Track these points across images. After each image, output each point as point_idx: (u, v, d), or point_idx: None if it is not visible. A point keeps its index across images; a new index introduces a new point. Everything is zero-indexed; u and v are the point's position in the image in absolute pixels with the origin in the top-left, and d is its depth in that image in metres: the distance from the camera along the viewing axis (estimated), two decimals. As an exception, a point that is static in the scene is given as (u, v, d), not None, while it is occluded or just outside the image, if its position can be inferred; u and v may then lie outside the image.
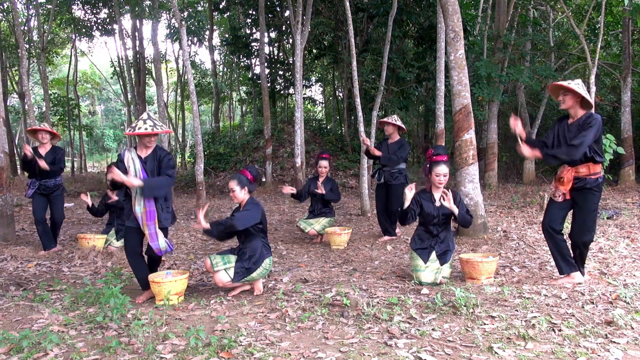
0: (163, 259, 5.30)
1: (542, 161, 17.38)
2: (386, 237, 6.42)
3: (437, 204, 4.28)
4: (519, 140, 3.96)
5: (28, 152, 5.67)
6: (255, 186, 4.21)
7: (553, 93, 4.07)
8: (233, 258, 4.08)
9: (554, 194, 4.02)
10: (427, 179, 4.35)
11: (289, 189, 6.23)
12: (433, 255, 4.26)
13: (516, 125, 3.95)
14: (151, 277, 3.94)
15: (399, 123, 6.36)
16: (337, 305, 3.61)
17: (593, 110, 3.94)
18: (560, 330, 3.03)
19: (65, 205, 10.50)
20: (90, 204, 6.29)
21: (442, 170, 4.20)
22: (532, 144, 4.02)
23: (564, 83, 3.88)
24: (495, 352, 2.74)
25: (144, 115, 4.01)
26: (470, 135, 6.07)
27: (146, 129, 3.87)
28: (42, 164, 5.70)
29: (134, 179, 3.78)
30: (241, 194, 4.08)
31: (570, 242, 4.08)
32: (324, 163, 6.55)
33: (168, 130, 4.03)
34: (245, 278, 4.03)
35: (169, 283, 3.83)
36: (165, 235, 4.08)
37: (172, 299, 3.86)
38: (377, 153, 6.42)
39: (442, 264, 4.24)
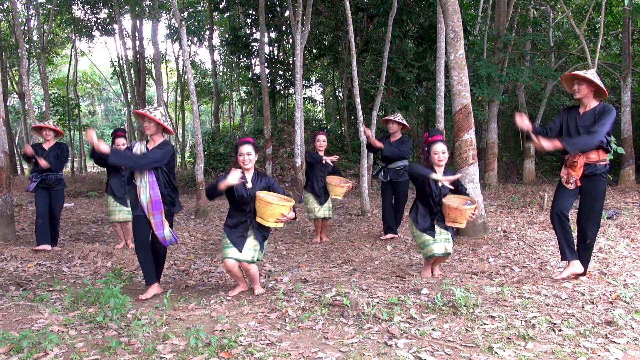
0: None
1: (542, 161, 17.20)
2: (389, 235, 6.43)
3: (440, 184, 4.38)
4: (532, 136, 3.94)
5: (29, 151, 5.96)
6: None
7: (566, 83, 4.11)
8: (253, 240, 4.02)
9: (567, 180, 4.02)
10: (427, 163, 4.50)
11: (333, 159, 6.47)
12: (437, 228, 4.38)
13: (522, 121, 3.98)
14: (260, 195, 3.91)
15: (403, 121, 6.40)
16: (337, 305, 3.61)
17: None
18: (560, 330, 3.03)
19: (66, 205, 10.51)
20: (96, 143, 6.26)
21: (440, 148, 4.36)
22: (544, 134, 4.03)
23: (579, 72, 3.94)
24: (495, 352, 2.74)
25: (156, 106, 4.12)
26: (470, 135, 6.07)
27: (144, 110, 4.02)
28: (42, 162, 5.92)
29: (102, 144, 3.78)
30: (254, 159, 4.07)
31: (578, 229, 4.13)
32: (322, 137, 6.56)
33: (160, 121, 3.97)
34: (264, 244, 4.12)
35: (277, 206, 3.85)
36: (171, 226, 4.13)
37: (269, 222, 3.90)
38: (379, 144, 6.42)
39: (444, 233, 4.37)
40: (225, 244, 4.01)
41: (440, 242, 4.33)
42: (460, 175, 4.32)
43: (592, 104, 3.97)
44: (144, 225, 4.06)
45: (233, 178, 3.84)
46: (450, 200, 4.34)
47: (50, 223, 6.11)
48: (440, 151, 4.36)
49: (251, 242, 4.00)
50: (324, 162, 6.42)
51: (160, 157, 3.96)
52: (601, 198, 4.04)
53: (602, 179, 3.98)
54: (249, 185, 4.02)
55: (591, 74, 3.92)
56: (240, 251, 3.95)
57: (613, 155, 8.21)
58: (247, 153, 3.99)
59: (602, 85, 3.89)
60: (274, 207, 3.86)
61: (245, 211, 4.02)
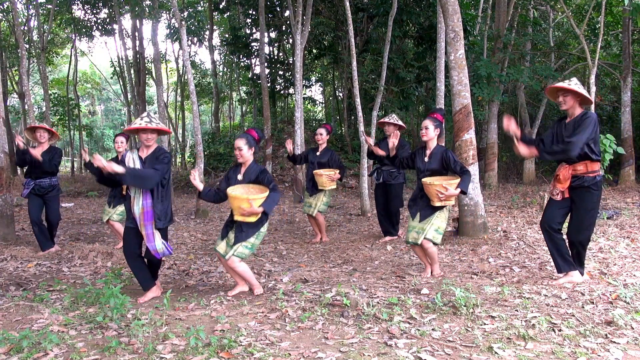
0: (163, 259, 5.30)
1: (542, 161, 17.27)
2: (387, 238, 6.43)
3: (426, 159, 4.48)
4: (515, 140, 3.99)
5: (20, 142, 5.87)
6: (258, 147, 4.29)
7: (551, 95, 4.05)
8: (232, 234, 4.01)
9: (552, 192, 4.04)
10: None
11: (289, 146, 6.54)
12: (419, 216, 4.45)
13: (510, 125, 3.98)
14: (232, 192, 3.88)
15: (399, 122, 6.37)
16: (337, 305, 3.61)
17: (593, 109, 3.96)
18: (560, 330, 3.03)
19: (66, 205, 10.52)
20: (87, 160, 6.19)
21: (424, 123, 4.51)
22: (528, 142, 4.03)
23: (564, 85, 3.87)
24: (495, 352, 2.74)
25: (144, 114, 4.02)
26: (470, 135, 6.07)
27: (140, 124, 3.87)
28: (34, 152, 5.79)
29: (115, 165, 3.60)
30: (248, 154, 4.07)
31: (567, 240, 4.09)
32: (321, 130, 6.58)
33: (163, 127, 3.95)
34: (245, 242, 3.95)
35: (234, 199, 3.81)
36: (165, 238, 4.04)
37: (237, 217, 3.86)
38: (381, 152, 6.29)
39: (420, 219, 4.41)
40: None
41: (414, 231, 4.42)
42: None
43: (577, 112, 3.90)
44: (134, 236, 4.01)
45: (196, 181, 4.06)
46: (437, 178, 4.37)
47: (47, 228, 6.04)
48: (423, 126, 4.48)
49: (230, 236, 4.01)
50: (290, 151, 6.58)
51: (167, 168, 3.94)
52: (590, 210, 3.90)
53: (592, 191, 3.85)
54: (240, 177, 4.07)
55: (575, 85, 3.85)
56: (221, 239, 4.04)
57: (613, 155, 8.22)
58: (238, 148, 4.04)
59: (587, 95, 3.83)
60: (232, 200, 3.84)
61: None
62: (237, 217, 3.89)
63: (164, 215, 3.99)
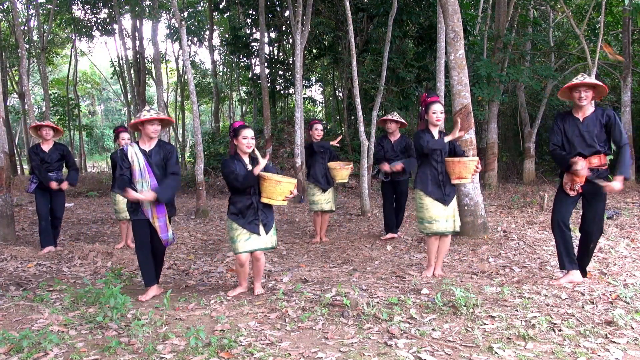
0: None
1: (542, 161, 17.14)
2: (389, 235, 6.45)
3: (440, 138, 4.46)
4: (576, 166, 3.90)
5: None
6: None
7: (567, 94, 4.03)
8: (261, 226, 4.03)
9: (571, 187, 4.00)
10: (423, 122, 4.58)
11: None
12: (445, 199, 4.44)
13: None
14: (267, 175, 3.98)
15: (401, 119, 6.45)
16: (337, 305, 3.61)
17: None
18: (560, 330, 3.03)
19: (66, 205, 10.51)
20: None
21: (438, 108, 4.47)
22: (566, 152, 3.99)
23: (586, 80, 3.90)
24: (495, 352, 2.74)
25: (146, 107, 4.10)
26: (470, 135, 6.07)
27: (151, 115, 3.97)
28: (65, 185, 6.13)
29: (146, 193, 3.91)
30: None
31: (586, 234, 4.09)
32: (320, 126, 6.66)
33: (170, 117, 4.12)
34: (272, 229, 4.11)
35: (286, 184, 3.96)
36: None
37: (278, 200, 4.00)
38: (399, 167, 6.25)
39: (447, 203, 4.41)
40: (236, 236, 3.99)
41: (444, 220, 4.41)
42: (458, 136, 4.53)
43: (590, 108, 3.98)
44: (144, 228, 4.06)
45: (263, 162, 3.96)
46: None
47: (52, 224, 6.10)
48: (438, 111, 4.45)
49: (261, 228, 4.03)
50: (331, 144, 6.63)
51: (179, 169, 4.17)
52: (604, 201, 4.07)
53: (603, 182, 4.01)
54: (249, 167, 4.06)
55: (593, 79, 3.96)
56: (259, 234, 4.00)
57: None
58: (252, 137, 4.04)
59: (603, 85, 3.93)
60: (284, 185, 3.96)
61: (249, 193, 4.02)
62: (277, 202, 4.02)
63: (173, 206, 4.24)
